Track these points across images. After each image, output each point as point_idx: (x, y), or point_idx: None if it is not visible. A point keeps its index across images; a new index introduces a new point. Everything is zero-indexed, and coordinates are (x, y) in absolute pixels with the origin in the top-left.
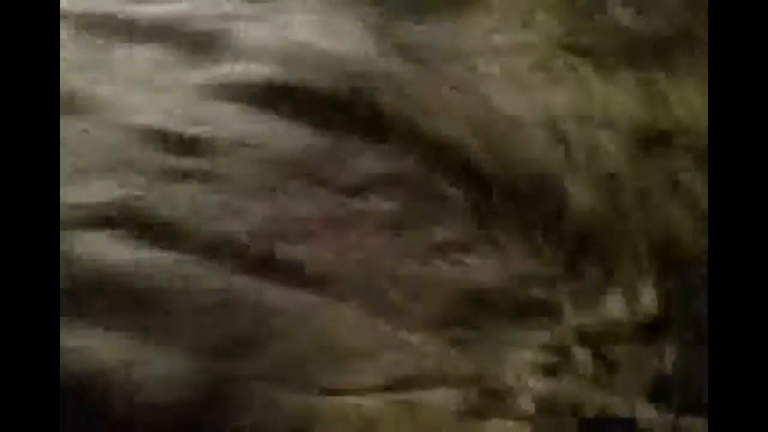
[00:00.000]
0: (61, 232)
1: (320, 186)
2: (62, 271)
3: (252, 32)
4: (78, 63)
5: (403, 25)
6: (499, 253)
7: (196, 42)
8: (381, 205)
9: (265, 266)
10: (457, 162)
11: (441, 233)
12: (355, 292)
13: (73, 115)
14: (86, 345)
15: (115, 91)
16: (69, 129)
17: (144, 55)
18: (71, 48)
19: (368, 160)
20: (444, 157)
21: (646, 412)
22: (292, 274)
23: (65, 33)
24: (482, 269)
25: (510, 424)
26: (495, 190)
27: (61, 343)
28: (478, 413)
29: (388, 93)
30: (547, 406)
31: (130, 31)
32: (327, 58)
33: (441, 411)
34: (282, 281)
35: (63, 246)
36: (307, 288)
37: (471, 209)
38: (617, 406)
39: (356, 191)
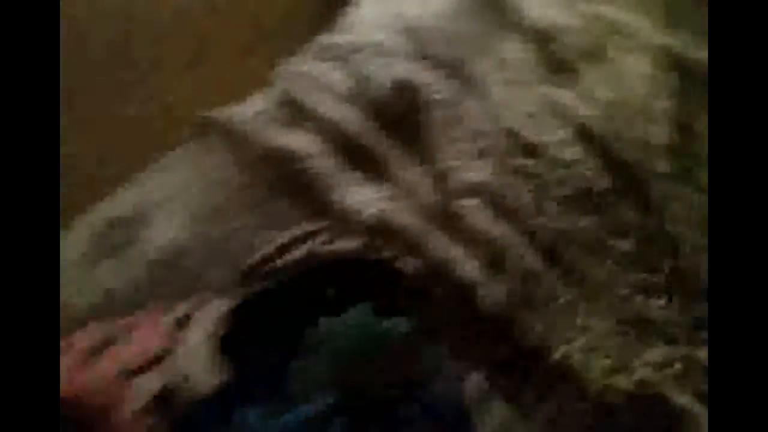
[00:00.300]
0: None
1: (590, 219)
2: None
3: (597, 81)
4: (459, 35)
5: None
6: (670, 303)
7: (564, 60)
8: (624, 246)
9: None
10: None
11: (651, 279)
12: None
13: (462, 86)
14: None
15: (485, 75)
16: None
17: (518, 50)
18: (458, 19)
19: (628, 216)
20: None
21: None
22: (565, 273)
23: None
24: (657, 307)
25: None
26: None
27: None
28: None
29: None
30: (643, 383)
31: (515, 21)
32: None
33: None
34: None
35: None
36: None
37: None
38: (674, 392)
39: (616, 235)
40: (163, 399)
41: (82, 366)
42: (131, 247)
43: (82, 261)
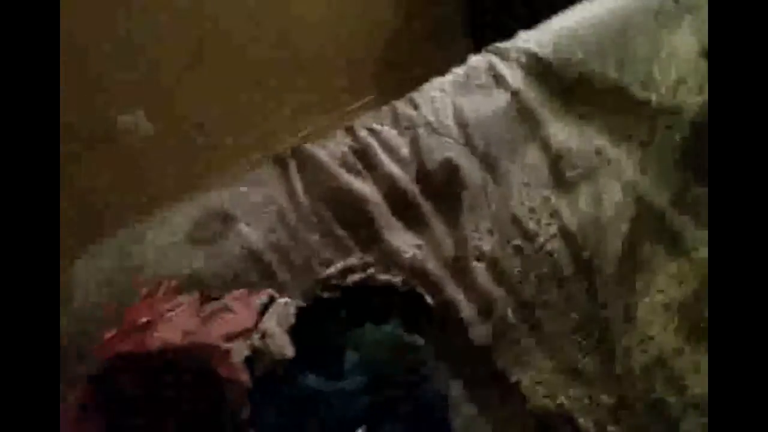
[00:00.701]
0: (464, 258)
1: (555, 293)
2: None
3: (584, 197)
4: (498, 136)
5: None
6: (593, 358)
7: (567, 177)
8: (573, 317)
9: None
10: None
11: (584, 341)
12: None
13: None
14: None
15: (509, 173)
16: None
17: (537, 159)
18: (500, 123)
19: (579, 297)
20: None
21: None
22: (530, 327)
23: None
24: (584, 360)
25: None
26: None
27: None
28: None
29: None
30: (562, 407)
31: (540, 136)
32: None
33: None
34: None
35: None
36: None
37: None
38: (581, 418)
39: (568, 308)
40: (249, 362)
41: (200, 328)
42: (222, 240)
43: (182, 241)
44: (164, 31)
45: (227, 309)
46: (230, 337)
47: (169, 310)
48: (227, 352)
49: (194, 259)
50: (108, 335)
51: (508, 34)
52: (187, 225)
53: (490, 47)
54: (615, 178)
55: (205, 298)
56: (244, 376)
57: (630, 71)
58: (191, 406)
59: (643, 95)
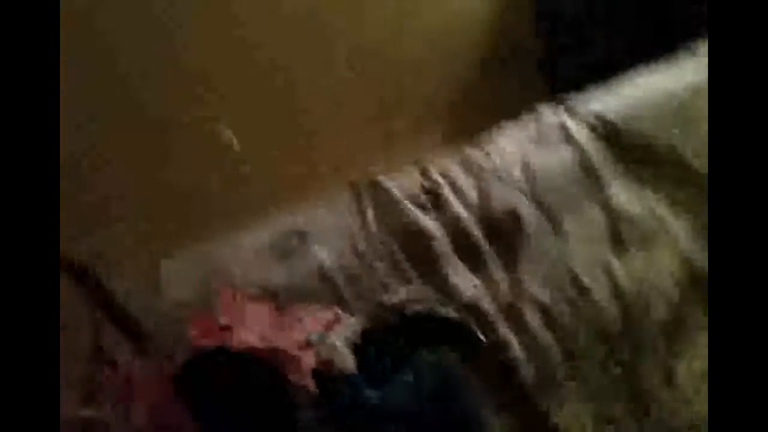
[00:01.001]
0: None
1: (599, 345)
2: None
3: (639, 260)
4: (561, 190)
5: None
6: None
7: (624, 239)
8: (613, 371)
9: (566, 357)
10: None
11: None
12: None
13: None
14: None
15: (569, 228)
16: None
17: (597, 217)
18: (564, 177)
19: (622, 350)
20: None
21: None
22: (571, 368)
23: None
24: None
25: None
26: None
27: None
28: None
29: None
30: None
31: (601, 196)
32: None
33: None
34: (566, 367)
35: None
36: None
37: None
38: None
39: (609, 358)
40: (315, 372)
41: (275, 334)
42: (298, 257)
43: (263, 254)
44: (232, 61)
45: (298, 320)
46: (300, 347)
47: (247, 316)
48: (298, 359)
49: (272, 272)
50: (192, 332)
51: (583, 82)
52: (269, 239)
53: (561, 101)
54: (670, 245)
55: (279, 309)
56: (311, 383)
57: (693, 144)
58: (264, 405)
59: (703, 169)
